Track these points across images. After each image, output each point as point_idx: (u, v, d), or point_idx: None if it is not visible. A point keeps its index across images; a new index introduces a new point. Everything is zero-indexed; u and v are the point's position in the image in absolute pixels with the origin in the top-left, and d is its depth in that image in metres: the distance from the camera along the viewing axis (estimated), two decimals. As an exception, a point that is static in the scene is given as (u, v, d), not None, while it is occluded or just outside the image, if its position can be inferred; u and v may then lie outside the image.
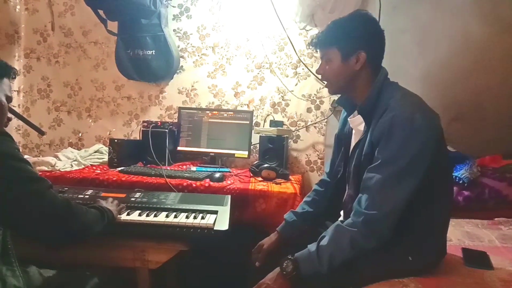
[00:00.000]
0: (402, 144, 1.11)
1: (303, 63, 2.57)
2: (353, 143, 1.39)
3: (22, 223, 1.09)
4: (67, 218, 1.15)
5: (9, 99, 1.23)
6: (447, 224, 1.28)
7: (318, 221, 1.57)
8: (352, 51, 1.25)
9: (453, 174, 2.01)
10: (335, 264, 1.14)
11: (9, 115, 1.26)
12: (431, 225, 1.20)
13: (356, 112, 1.34)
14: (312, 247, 1.18)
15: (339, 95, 1.45)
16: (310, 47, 1.39)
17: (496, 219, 1.90)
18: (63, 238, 1.17)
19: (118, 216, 1.52)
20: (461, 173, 1.99)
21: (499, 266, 1.27)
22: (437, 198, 1.20)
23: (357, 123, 1.34)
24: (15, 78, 1.29)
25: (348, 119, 1.41)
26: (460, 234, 1.68)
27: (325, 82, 1.38)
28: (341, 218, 1.42)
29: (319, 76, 1.41)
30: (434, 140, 1.15)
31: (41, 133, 1.83)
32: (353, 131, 1.41)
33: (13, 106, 2.73)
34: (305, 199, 1.65)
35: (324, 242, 1.17)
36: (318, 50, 1.37)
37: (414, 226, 1.18)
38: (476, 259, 1.31)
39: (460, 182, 1.97)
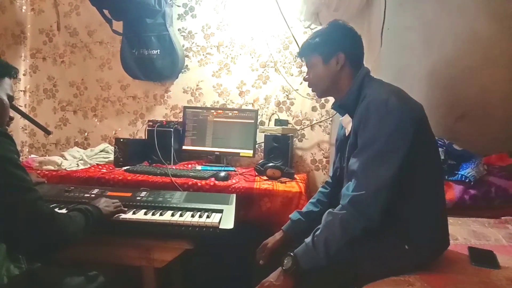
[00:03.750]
0: (378, 125, 1.17)
1: (308, 62, 2.56)
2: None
3: (6, 229, 1.07)
4: (52, 230, 1.13)
5: (10, 98, 1.23)
6: (442, 214, 1.30)
7: (321, 220, 1.57)
8: (332, 53, 1.36)
9: (458, 172, 1.99)
10: (331, 251, 1.17)
11: (11, 114, 1.26)
12: (420, 212, 1.22)
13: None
14: (308, 239, 1.22)
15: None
16: (297, 58, 1.47)
17: (503, 218, 1.88)
18: (44, 248, 1.16)
19: (124, 216, 1.53)
20: (467, 171, 1.97)
21: (506, 265, 1.26)
22: (424, 186, 1.23)
23: (347, 121, 1.40)
24: (16, 77, 1.29)
25: (340, 119, 1.48)
26: (467, 233, 1.67)
27: (312, 88, 1.49)
28: None
29: (307, 83, 1.50)
30: (411, 121, 1.18)
31: (47, 132, 1.84)
32: (346, 131, 1.45)
33: (19, 106, 2.78)
34: (310, 200, 1.67)
35: (318, 231, 1.21)
36: (302, 59, 1.49)
37: (402, 213, 1.21)
38: (483, 258, 1.30)
39: (467, 180, 1.95)
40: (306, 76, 1.48)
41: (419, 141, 1.18)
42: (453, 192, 1.92)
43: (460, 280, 1.14)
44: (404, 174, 1.16)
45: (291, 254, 1.22)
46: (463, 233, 1.66)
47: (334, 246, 1.17)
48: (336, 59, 1.36)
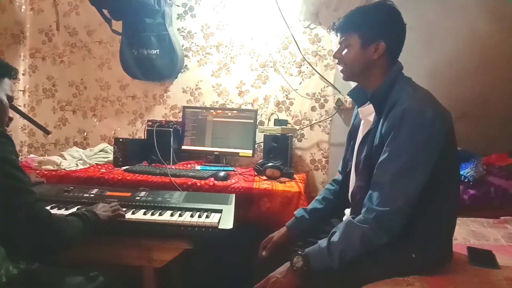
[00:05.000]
0: (411, 136, 1.11)
1: (307, 62, 2.56)
2: (361, 134, 1.39)
3: (3, 231, 1.06)
4: (48, 233, 1.12)
5: (10, 98, 1.23)
6: (454, 226, 1.27)
7: (325, 218, 1.58)
8: (372, 39, 1.26)
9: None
10: (347, 260, 1.14)
11: (11, 114, 1.26)
12: (437, 224, 1.19)
13: (367, 102, 1.35)
14: (323, 242, 1.19)
15: (345, 92, 1.45)
16: (331, 31, 1.38)
17: (502, 217, 1.88)
18: (40, 252, 1.15)
19: (125, 217, 1.52)
20: (466, 171, 1.97)
21: (505, 265, 1.26)
22: (444, 198, 1.19)
23: (368, 113, 1.34)
24: (16, 78, 1.29)
25: (358, 109, 1.42)
26: (466, 232, 1.67)
27: (341, 68, 1.38)
28: (348, 212, 1.41)
29: (336, 61, 1.41)
30: (443, 134, 1.15)
31: (47, 132, 1.84)
32: (362, 122, 1.41)
33: (19, 105, 2.77)
34: (316, 197, 1.64)
35: (335, 238, 1.17)
36: (338, 34, 1.36)
37: (420, 224, 1.18)
38: (482, 258, 1.30)
39: (466, 180, 1.96)
40: (337, 54, 1.36)
41: (445, 153, 1.15)
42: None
43: (459, 280, 1.14)
44: (427, 187, 1.13)
45: (301, 253, 1.19)
46: (462, 233, 1.66)
47: (351, 256, 1.14)
48: (376, 46, 1.25)
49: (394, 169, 1.13)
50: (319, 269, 1.17)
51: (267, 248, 1.54)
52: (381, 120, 1.22)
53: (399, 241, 1.15)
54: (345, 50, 1.32)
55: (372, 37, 1.26)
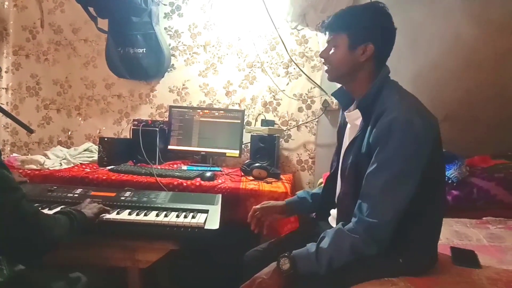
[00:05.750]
0: (399, 147, 1.10)
1: (295, 63, 2.57)
2: (347, 137, 1.38)
3: None
4: (35, 231, 1.10)
5: None
6: (439, 231, 1.27)
7: (316, 209, 1.59)
8: (361, 41, 1.23)
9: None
10: (334, 267, 1.13)
11: None
12: (423, 230, 1.19)
13: (352, 106, 1.35)
14: (311, 247, 1.17)
15: (332, 91, 1.45)
16: (320, 29, 1.35)
17: (484, 218, 1.91)
18: (28, 251, 1.12)
19: (108, 216, 1.51)
20: (450, 172, 2.00)
21: (486, 264, 1.28)
22: (430, 203, 1.19)
23: (354, 117, 1.31)
24: None
25: (345, 113, 1.40)
26: (449, 233, 1.69)
27: (327, 68, 1.35)
28: (334, 213, 1.40)
29: (322, 60, 1.39)
30: (431, 142, 1.14)
31: (30, 131, 1.81)
32: (348, 125, 1.40)
33: (1, 103, 2.72)
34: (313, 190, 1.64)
35: (324, 244, 1.15)
36: (326, 33, 1.33)
37: (407, 230, 1.17)
38: (465, 258, 1.32)
39: (450, 181, 1.98)
40: (324, 53, 1.33)
41: (432, 160, 1.14)
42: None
43: (442, 280, 1.15)
44: (415, 193, 1.12)
45: (288, 255, 1.18)
46: (445, 233, 1.68)
47: (339, 263, 1.13)
48: (364, 48, 1.22)
49: (383, 180, 1.11)
50: (305, 273, 1.16)
51: (259, 206, 1.55)
52: (369, 127, 1.19)
53: (387, 247, 1.15)
54: (332, 50, 1.29)
55: (361, 38, 1.23)
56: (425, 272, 1.19)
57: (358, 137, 1.25)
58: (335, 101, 2.47)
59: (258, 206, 1.57)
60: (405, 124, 1.10)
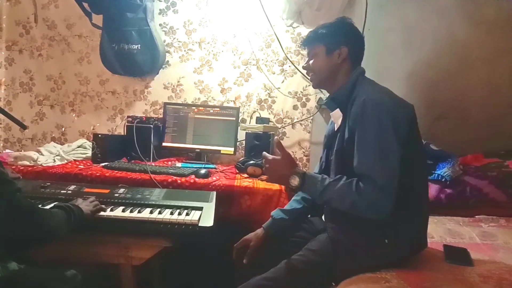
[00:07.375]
0: (377, 122, 1.21)
1: (290, 60, 2.57)
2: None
3: None
4: (31, 224, 1.10)
5: None
6: (424, 213, 1.34)
7: (304, 217, 1.62)
8: (336, 46, 1.41)
9: (435, 171, 2.04)
10: (330, 205, 1.31)
11: None
12: (405, 209, 1.23)
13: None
14: (324, 180, 1.25)
15: (326, 92, 1.51)
16: (300, 46, 1.48)
17: (477, 216, 1.93)
18: (25, 243, 1.13)
19: (102, 213, 1.50)
20: (443, 171, 2.01)
21: (479, 262, 1.30)
22: (411, 184, 1.25)
23: (337, 116, 1.43)
24: None
25: (330, 113, 1.49)
26: (442, 231, 1.71)
27: (310, 76, 1.51)
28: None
29: (305, 72, 1.55)
30: (406, 119, 1.25)
31: (23, 127, 1.79)
32: (335, 126, 1.47)
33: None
34: (294, 197, 1.65)
35: (333, 186, 1.23)
36: (306, 47, 1.51)
37: (393, 216, 1.20)
38: (457, 255, 1.33)
39: (443, 180, 1.99)
40: (305, 65, 1.51)
41: (411, 140, 1.25)
42: (429, 191, 1.96)
43: (435, 277, 1.16)
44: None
45: (300, 174, 1.27)
46: (439, 231, 1.70)
47: (335, 206, 1.26)
48: (339, 51, 1.40)
49: (372, 154, 1.20)
50: (305, 193, 1.39)
51: (247, 254, 1.52)
52: (347, 116, 1.32)
53: (370, 226, 1.23)
54: (312, 60, 1.47)
55: (336, 43, 1.41)
56: (412, 256, 1.29)
57: (341, 127, 1.37)
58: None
59: (238, 246, 1.57)
60: (376, 102, 1.24)
